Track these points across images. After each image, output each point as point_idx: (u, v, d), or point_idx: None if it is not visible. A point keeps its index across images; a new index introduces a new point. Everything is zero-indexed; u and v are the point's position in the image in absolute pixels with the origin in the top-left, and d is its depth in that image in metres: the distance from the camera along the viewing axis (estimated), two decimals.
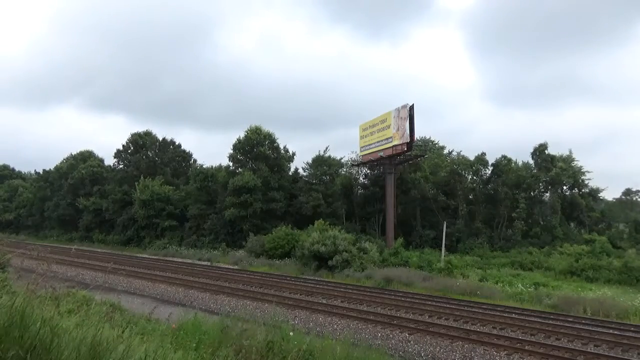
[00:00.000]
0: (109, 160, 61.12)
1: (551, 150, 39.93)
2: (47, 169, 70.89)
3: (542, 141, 39.89)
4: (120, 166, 57.84)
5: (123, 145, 56.63)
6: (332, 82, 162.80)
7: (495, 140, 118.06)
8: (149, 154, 56.86)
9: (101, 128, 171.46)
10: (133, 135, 56.21)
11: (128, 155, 56.51)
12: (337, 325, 15.90)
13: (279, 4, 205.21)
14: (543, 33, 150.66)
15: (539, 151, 40.04)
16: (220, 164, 49.40)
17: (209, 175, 46.47)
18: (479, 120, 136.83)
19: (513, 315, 17.25)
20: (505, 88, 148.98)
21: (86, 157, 64.61)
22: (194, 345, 6.56)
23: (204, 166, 51.18)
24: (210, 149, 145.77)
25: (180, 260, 38.62)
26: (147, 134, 56.70)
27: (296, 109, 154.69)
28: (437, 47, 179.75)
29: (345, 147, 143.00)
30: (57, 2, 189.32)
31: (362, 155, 41.39)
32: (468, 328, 15.26)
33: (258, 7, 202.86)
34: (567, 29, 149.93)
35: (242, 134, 44.90)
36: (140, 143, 55.76)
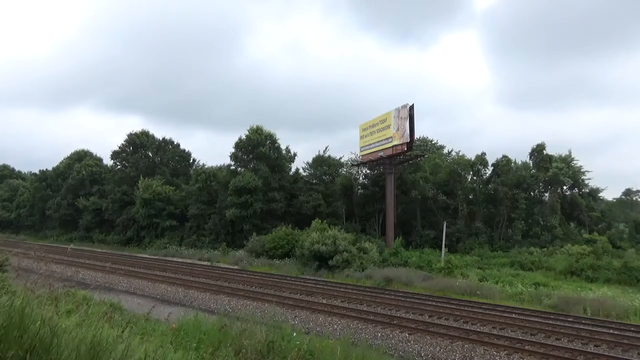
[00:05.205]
0: (109, 160, 61.14)
1: (554, 151, 40.05)
2: (44, 169, 71.02)
3: (540, 142, 40.22)
4: (119, 166, 57.83)
5: (119, 147, 56.52)
6: (349, 84, 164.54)
7: (505, 142, 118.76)
8: (148, 154, 56.84)
9: (117, 128, 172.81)
10: (129, 135, 56.16)
11: (126, 156, 56.47)
12: (337, 325, 15.88)
13: (314, 10, 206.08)
14: (557, 37, 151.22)
15: (537, 151, 40.15)
16: (224, 163, 49.56)
17: (212, 175, 46.52)
18: (491, 122, 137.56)
19: (513, 315, 17.24)
20: (518, 90, 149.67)
21: (82, 157, 64.57)
22: (194, 345, 6.55)
23: (206, 166, 51.22)
24: (221, 150, 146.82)
25: (180, 260, 38.57)
26: (144, 133, 56.64)
27: (311, 111, 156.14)
28: (456, 50, 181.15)
29: (355, 148, 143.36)
30: (91, 6, 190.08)
31: (362, 155, 41.37)
32: (468, 328, 15.24)
33: (289, 13, 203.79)
34: (581, 33, 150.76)
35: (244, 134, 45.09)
36: (137, 143, 55.71)
